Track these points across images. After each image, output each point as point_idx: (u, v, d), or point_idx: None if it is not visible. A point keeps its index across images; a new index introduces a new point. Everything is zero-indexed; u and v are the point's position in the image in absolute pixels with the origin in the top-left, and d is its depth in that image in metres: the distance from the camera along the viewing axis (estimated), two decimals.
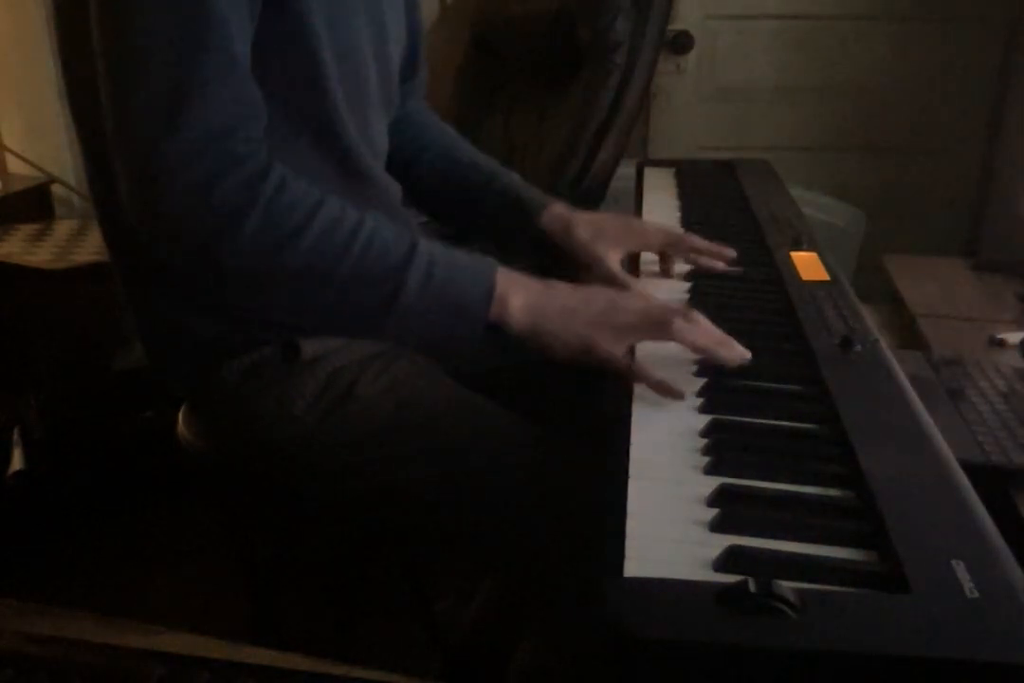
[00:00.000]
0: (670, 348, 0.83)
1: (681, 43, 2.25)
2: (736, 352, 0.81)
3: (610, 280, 1.04)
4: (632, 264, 1.12)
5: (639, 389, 0.78)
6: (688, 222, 1.25)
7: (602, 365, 0.84)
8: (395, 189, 1.02)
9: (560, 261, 1.13)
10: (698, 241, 1.06)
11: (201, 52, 0.76)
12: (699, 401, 0.76)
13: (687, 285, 1.04)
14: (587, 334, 0.83)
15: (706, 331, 0.82)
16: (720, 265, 1.06)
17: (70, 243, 2.11)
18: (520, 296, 0.84)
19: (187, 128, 0.75)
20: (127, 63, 0.76)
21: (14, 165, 2.39)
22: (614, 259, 1.05)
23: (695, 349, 0.82)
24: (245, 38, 0.80)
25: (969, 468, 0.65)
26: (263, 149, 0.80)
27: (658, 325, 0.83)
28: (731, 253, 1.05)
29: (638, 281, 1.05)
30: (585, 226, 1.07)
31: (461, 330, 0.84)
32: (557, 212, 1.09)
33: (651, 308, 0.85)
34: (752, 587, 0.49)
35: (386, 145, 1.03)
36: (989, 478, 0.84)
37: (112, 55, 0.77)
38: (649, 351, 0.85)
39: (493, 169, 1.15)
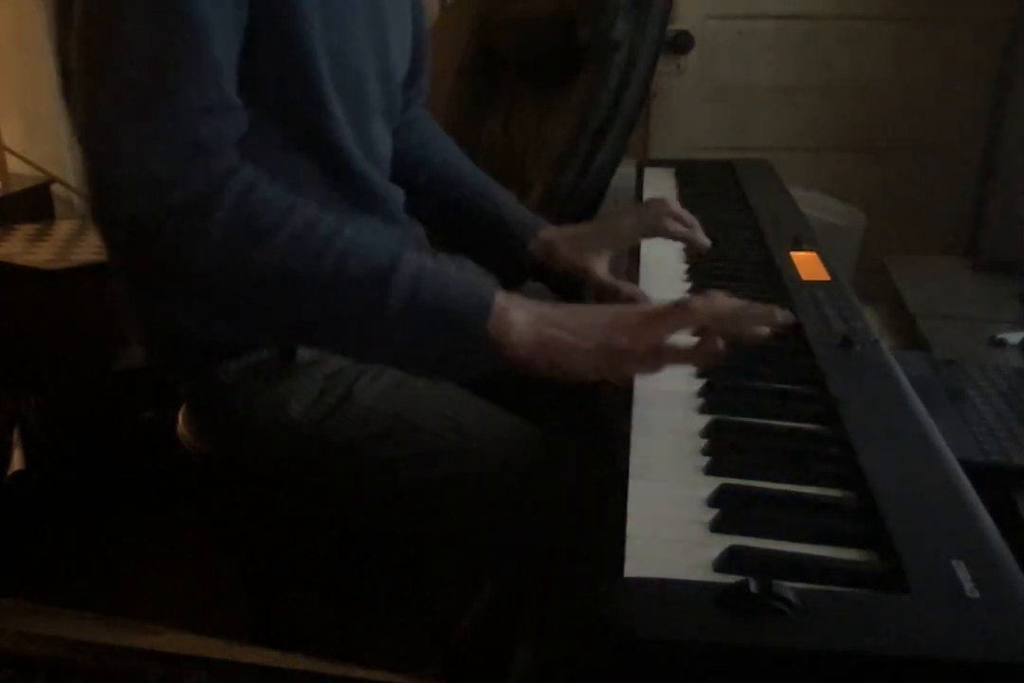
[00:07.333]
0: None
1: (681, 43, 2.24)
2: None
3: (601, 289, 1.04)
4: (632, 261, 1.12)
5: (639, 390, 0.78)
6: None
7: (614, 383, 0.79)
8: (396, 197, 1.00)
9: (555, 285, 1.15)
10: (674, 227, 1.04)
11: (178, 53, 0.74)
12: (699, 401, 0.76)
13: (687, 285, 1.04)
14: (599, 355, 0.75)
15: (691, 352, 0.76)
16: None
17: (70, 243, 2.11)
18: (522, 311, 0.76)
19: (153, 122, 0.73)
20: (102, 58, 0.74)
21: (14, 165, 2.38)
22: (600, 267, 1.05)
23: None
24: (227, 43, 0.77)
25: (969, 468, 0.66)
26: (235, 153, 0.77)
27: (645, 356, 0.75)
28: (705, 242, 1.04)
29: (640, 276, 1.05)
30: (565, 244, 1.07)
31: (458, 345, 0.76)
32: (542, 238, 1.09)
33: (641, 337, 0.75)
34: (752, 587, 0.49)
35: (388, 152, 1.01)
36: (989, 478, 0.84)
37: (88, 50, 0.75)
38: None
39: (486, 190, 1.15)
